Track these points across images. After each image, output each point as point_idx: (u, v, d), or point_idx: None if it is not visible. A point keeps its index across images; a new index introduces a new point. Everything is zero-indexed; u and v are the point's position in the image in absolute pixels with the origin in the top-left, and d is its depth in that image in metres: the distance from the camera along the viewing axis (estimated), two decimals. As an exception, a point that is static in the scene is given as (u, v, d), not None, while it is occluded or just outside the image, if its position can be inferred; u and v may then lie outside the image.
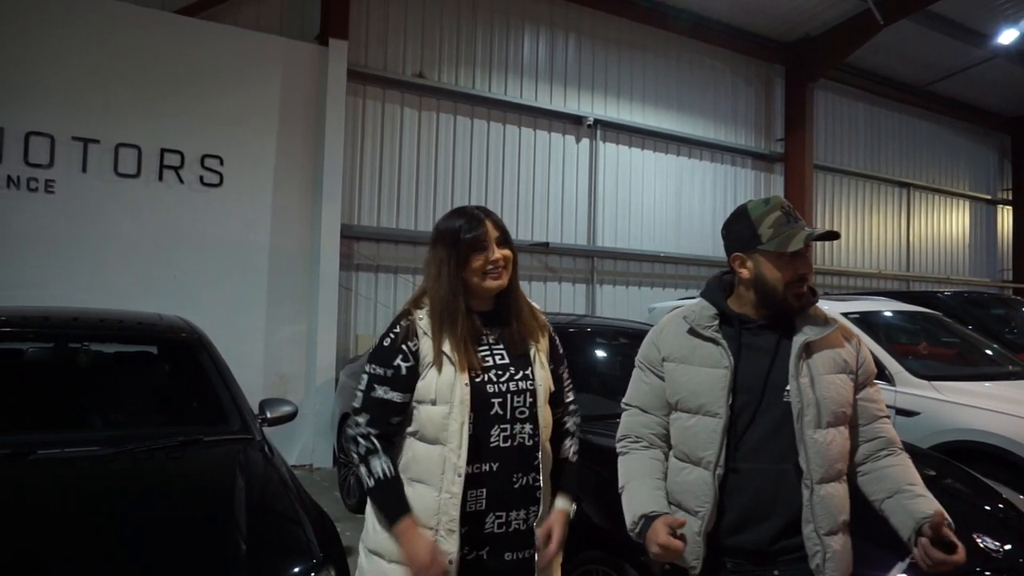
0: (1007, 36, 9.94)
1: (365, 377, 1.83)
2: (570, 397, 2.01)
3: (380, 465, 1.76)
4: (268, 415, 3.06)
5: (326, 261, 6.40)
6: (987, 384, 4.32)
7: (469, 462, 1.73)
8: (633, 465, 1.75)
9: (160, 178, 5.83)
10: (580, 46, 8.48)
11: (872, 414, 1.74)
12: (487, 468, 1.77)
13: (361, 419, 1.80)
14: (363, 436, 1.78)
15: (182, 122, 5.91)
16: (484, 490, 1.76)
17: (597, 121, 8.45)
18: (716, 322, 1.73)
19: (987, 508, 2.73)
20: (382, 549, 1.79)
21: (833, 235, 1.68)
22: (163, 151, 5.83)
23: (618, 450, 1.81)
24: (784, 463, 1.63)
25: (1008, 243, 13.87)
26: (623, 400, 1.86)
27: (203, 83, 6.01)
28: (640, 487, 1.69)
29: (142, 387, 3.27)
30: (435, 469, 1.74)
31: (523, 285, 1.98)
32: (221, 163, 6.06)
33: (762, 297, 1.70)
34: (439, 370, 1.76)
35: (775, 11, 9.12)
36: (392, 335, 1.83)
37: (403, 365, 1.79)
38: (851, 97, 11.17)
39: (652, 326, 1.93)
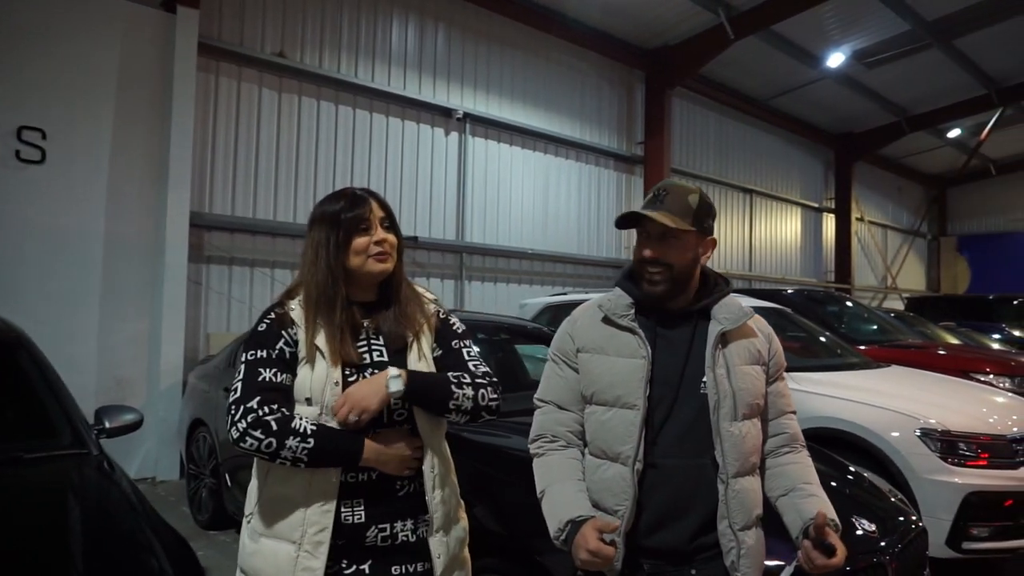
0: (834, 59, 11.01)
1: (243, 367, 1.57)
2: (480, 370, 1.68)
3: (302, 423, 1.50)
4: (107, 425, 2.64)
5: (172, 252, 5.77)
6: (833, 374, 4.63)
7: (344, 471, 1.55)
8: (552, 467, 1.62)
9: (-36, 151, 5.00)
10: (451, 38, 8.31)
11: (780, 409, 1.72)
12: (364, 477, 1.58)
13: (253, 403, 1.50)
14: (264, 413, 1.49)
15: (-7, 88, 5.09)
16: (361, 501, 1.57)
17: (467, 115, 8.32)
18: (632, 311, 1.65)
19: (837, 486, 2.86)
20: (254, 568, 1.58)
21: (636, 216, 1.61)
22: (-32, 120, 5.01)
23: (533, 451, 1.67)
24: (702, 458, 1.57)
25: (831, 247, 15.53)
26: (535, 396, 1.72)
27: (22, 45, 5.20)
28: (563, 490, 1.56)
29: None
30: (302, 474, 1.53)
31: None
32: (43, 137, 5.28)
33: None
34: (312, 366, 1.57)
35: (639, 18, 9.46)
36: (267, 321, 1.63)
37: (286, 349, 1.59)
38: (704, 106, 11.89)
39: (529, 321, 1.82)
